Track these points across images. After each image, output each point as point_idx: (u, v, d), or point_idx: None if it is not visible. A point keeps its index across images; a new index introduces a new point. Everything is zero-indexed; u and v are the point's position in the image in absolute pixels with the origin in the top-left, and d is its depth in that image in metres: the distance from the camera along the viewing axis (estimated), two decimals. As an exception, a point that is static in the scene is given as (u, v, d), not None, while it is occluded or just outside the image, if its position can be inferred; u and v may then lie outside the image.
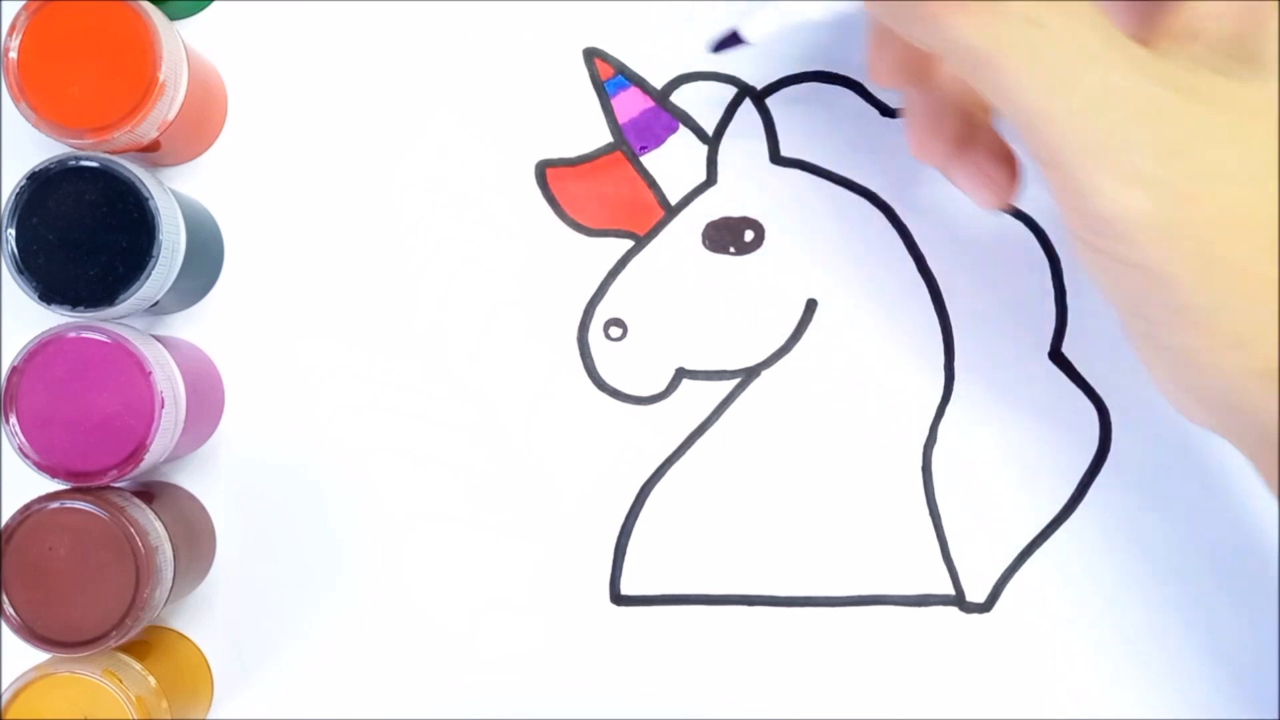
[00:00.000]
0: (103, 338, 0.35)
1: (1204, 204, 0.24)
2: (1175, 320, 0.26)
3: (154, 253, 0.35)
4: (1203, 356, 0.26)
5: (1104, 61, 0.25)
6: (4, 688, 0.35)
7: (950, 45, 0.26)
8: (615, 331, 0.40)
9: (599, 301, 0.40)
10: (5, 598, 0.34)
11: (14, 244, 0.35)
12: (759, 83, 0.40)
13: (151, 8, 0.35)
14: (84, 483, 0.35)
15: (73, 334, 0.35)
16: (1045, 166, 0.26)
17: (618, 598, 0.40)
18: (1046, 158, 0.26)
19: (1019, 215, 0.40)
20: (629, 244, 0.40)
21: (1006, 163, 0.32)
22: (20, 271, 0.35)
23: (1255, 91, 0.25)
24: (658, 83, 0.40)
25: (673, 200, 0.40)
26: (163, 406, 0.35)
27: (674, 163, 0.40)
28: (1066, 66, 0.25)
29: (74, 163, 0.35)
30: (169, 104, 0.36)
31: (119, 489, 0.37)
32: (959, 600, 0.40)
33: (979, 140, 0.33)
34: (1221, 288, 0.25)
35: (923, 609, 0.40)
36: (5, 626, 0.34)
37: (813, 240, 0.40)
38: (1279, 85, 0.25)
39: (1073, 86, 0.25)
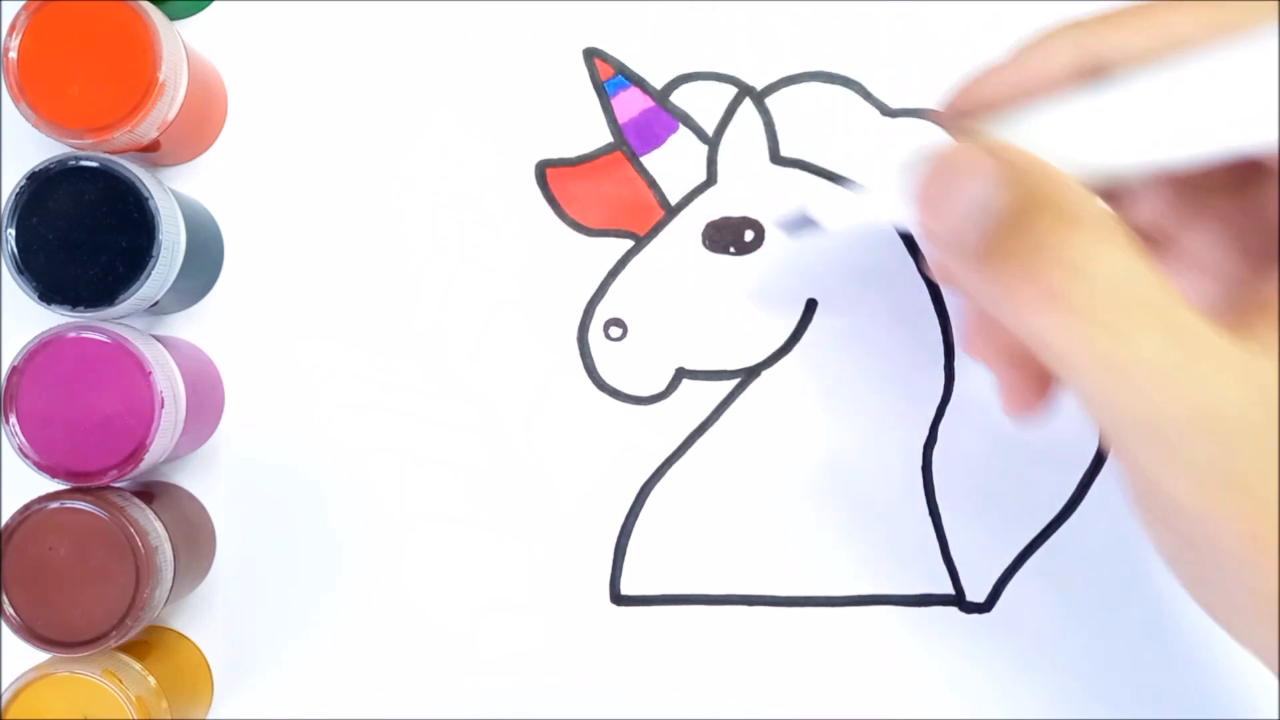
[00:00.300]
0: (103, 338, 0.35)
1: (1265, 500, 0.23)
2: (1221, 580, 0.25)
3: (154, 253, 0.35)
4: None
5: (1191, 382, 0.23)
6: (4, 688, 0.35)
7: (1029, 337, 0.25)
8: (615, 331, 0.40)
9: (599, 301, 0.40)
10: (5, 598, 0.34)
11: (14, 244, 0.35)
12: (759, 83, 0.40)
13: (151, 8, 0.35)
14: (84, 483, 0.35)
15: (73, 334, 0.35)
16: (1108, 442, 0.26)
17: (618, 598, 0.40)
18: (1112, 442, 0.25)
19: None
20: (629, 244, 0.40)
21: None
22: (20, 271, 0.35)
23: None
24: (658, 83, 0.40)
25: (673, 200, 0.40)
26: (163, 406, 0.35)
27: (674, 163, 0.40)
28: (1149, 387, 0.23)
29: (74, 163, 0.35)
30: (169, 104, 0.36)
31: (119, 489, 0.37)
32: (959, 600, 0.40)
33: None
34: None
35: (923, 609, 0.40)
36: (5, 626, 0.34)
37: (813, 240, 0.40)
38: None
39: (1154, 408, 0.23)
